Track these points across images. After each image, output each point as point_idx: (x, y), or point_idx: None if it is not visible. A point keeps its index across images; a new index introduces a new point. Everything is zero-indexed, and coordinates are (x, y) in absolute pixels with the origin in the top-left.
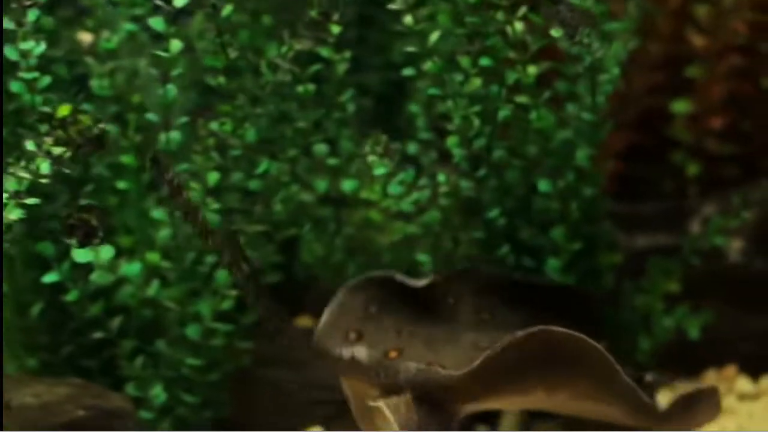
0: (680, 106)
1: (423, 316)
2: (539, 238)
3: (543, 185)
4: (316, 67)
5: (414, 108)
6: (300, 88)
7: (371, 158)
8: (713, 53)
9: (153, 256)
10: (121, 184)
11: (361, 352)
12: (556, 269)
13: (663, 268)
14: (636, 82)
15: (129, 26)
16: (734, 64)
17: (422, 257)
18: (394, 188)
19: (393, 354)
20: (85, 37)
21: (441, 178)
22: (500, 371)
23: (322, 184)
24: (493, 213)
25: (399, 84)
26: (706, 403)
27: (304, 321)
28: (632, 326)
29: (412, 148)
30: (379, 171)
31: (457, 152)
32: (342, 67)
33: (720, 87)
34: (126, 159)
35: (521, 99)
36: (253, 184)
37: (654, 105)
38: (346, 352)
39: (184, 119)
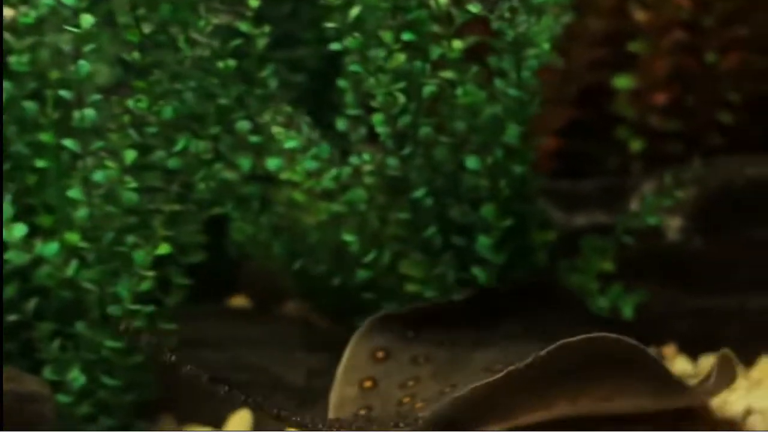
0: (622, 82)
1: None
2: (469, 216)
3: (471, 162)
4: (235, 42)
5: (342, 83)
6: (220, 64)
7: (275, 129)
8: (656, 28)
9: (72, 236)
10: (41, 163)
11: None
12: (487, 247)
13: (597, 247)
14: (577, 57)
15: (48, 0)
16: (678, 39)
17: (348, 237)
18: (308, 163)
19: (406, 400)
20: (7, 13)
21: (365, 156)
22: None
23: (245, 162)
24: (420, 192)
25: (332, 59)
26: (723, 370)
27: (238, 300)
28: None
29: (341, 124)
30: (289, 144)
31: (382, 130)
32: (262, 42)
33: (663, 62)
34: (45, 137)
35: (447, 74)
36: (173, 162)
37: (596, 81)
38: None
39: (97, 96)
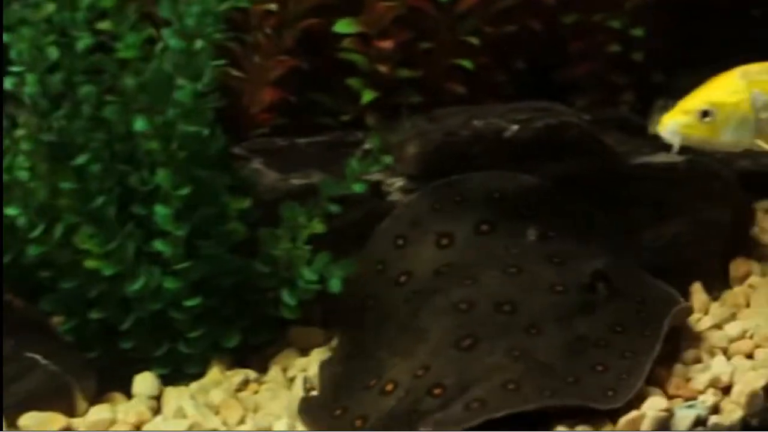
0: (343, 26)
1: None
2: (149, 183)
3: (139, 123)
4: None
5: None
6: None
7: None
8: None
9: None
10: None
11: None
12: (165, 218)
13: (299, 213)
14: (294, 2)
15: None
16: None
17: (12, 210)
18: None
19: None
20: None
21: (20, 119)
22: None
23: None
24: (83, 158)
25: None
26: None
27: None
28: (272, 279)
29: (8, 83)
30: None
31: (30, 89)
32: None
33: (388, 4)
34: None
35: (103, 25)
36: None
37: (317, 27)
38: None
39: None
